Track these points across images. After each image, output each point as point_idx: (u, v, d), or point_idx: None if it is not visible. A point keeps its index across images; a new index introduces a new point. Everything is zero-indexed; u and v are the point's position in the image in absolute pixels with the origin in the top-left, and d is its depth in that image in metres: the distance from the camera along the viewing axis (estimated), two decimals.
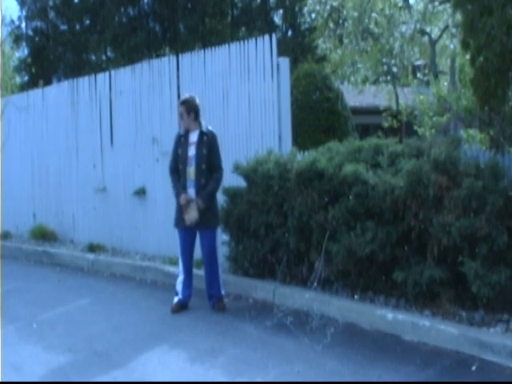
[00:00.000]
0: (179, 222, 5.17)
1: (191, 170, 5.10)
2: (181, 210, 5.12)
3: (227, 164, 6.13)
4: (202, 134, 5.16)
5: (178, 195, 5.14)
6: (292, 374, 3.71)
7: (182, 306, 5.15)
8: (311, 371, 3.72)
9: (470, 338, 3.91)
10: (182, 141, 5.20)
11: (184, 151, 5.15)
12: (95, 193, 8.05)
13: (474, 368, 3.68)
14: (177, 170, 5.22)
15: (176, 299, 5.19)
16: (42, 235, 8.62)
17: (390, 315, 4.39)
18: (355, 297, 4.83)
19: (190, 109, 5.16)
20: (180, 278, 5.22)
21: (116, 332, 4.67)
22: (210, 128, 5.26)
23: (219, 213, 5.39)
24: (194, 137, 5.17)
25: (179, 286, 5.21)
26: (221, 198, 5.80)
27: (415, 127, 10.96)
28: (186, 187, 5.11)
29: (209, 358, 4.02)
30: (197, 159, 5.10)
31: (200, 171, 5.09)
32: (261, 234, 5.39)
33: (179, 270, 5.28)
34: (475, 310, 4.26)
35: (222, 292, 5.23)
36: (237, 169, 5.67)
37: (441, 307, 4.32)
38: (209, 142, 5.15)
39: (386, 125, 13.60)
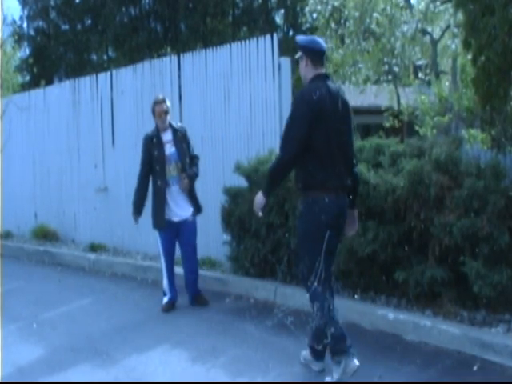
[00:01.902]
0: (160, 222, 5.17)
1: (171, 168, 5.17)
2: (160, 211, 5.14)
3: (228, 164, 6.14)
4: (175, 131, 5.28)
5: (135, 211, 5.27)
6: (292, 374, 3.71)
7: (172, 305, 5.21)
8: (311, 371, 3.72)
9: (471, 338, 3.91)
10: (154, 142, 5.22)
11: (160, 151, 5.19)
12: (96, 193, 8.05)
13: (475, 368, 3.68)
14: (147, 175, 5.26)
15: (166, 299, 5.23)
16: (44, 235, 8.64)
17: (391, 315, 4.38)
18: (356, 297, 4.83)
19: (168, 108, 5.30)
20: (165, 280, 5.25)
21: (117, 331, 4.67)
22: (179, 124, 5.41)
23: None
24: (166, 136, 5.25)
25: (166, 287, 5.25)
26: (222, 198, 5.81)
27: (416, 127, 10.95)
28: (170, 185, 5.16)
29: (210, 358, 4.02)
30: (180, 155, 5.19)
31: (185, 166, 5.20)
32: (262, 233, 5.39)
33: (163, 271, 5.28)
34: (477, 310, 4.26)
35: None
36: (238, 169, 5.66)
37: (442, 307, 4.32)
38: (184, 137, 5.30)
39: (387, 125, 13.60)
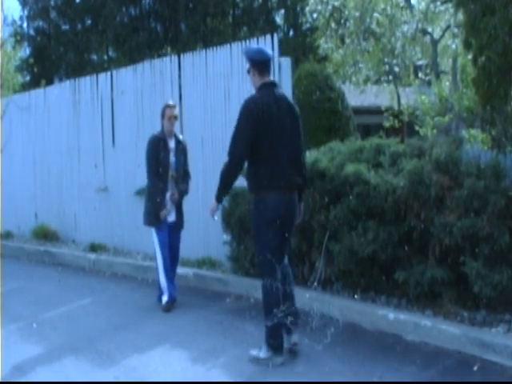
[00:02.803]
0: (157, 219, 5.25)
1: (170, 173, 5.31)
2: (156, 209, 5.23)
3: None
4: (178, 142, 5.43)
5: (158, 195, 5.25)
6: (293, 373, 3.71)
7: (173, 304, 5.20)
8: (312, 371, 3.72)
9: (471, 338, 3.91)
10: (161, 145, 5.31)
11: (166, 156, 5.30)
12: (97, 193, 8.05)
13: (475, 368, 3.68)
14: (157, 174, 5.30)
15: (165, 298, 5.21)
16: (44, 235, 8.63)
17: (391, 315, 4.38)
18: (356, 297, 4.82)
19: (177, 114, 5.46)
20: (163, 277, 5.23)
21: (117, 331, 4.67)
22: (181, 136, 5.59)
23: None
24: (171, 143, 5.38)
25: (164, 285, 5.23)
26: None
27: (417, 127, 10.96)
28: (169, 189, 5.29)
29: (210, 358, 4.02)
30: (177, 166, 5.36)
31: (180, 177, 5.36)
32: None
33: (159, 269, 5.26)
34: (477, 310, 4.26)
35: None
36: None
37: (442, 307, 4.32)
38: (184, 150, 5.47)
39: (387, 125, 13.60)
